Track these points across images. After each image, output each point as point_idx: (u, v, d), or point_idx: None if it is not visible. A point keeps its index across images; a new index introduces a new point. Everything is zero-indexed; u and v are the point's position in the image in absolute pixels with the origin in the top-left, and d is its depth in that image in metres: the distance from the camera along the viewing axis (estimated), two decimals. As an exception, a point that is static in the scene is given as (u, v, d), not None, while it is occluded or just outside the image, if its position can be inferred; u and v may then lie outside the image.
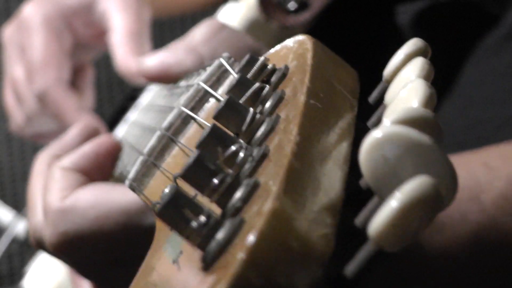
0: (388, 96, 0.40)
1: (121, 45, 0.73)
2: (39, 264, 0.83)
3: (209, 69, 0.48)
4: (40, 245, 0.58)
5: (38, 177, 0.61)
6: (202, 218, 0.33)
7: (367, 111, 0.42)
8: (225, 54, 0.48)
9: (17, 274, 0.88)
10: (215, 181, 0.34)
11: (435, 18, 0.74)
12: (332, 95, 0.40)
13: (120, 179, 0.57)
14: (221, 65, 0.47)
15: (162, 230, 0.43)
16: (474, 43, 0.71)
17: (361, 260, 0.31)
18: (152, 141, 0.47)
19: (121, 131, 0.80)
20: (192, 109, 0.47)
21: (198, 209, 0.33)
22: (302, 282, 0.30)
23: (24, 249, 0.97)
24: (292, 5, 0.70)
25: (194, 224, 0.33)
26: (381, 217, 0.30)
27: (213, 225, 0.33)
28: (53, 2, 0.79)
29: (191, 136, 0.46)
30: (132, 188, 0.48)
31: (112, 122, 0.87)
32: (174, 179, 0.43)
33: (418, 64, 0.40)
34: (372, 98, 0.43)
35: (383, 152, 0.33)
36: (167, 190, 0.43)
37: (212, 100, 0.47)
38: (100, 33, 0.79)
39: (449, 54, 0.72)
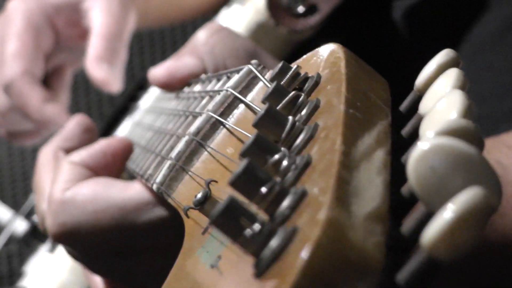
0: (423, 107, 0.41)
1: (94, 47, 0.74)
2: (41, 263, 0.83)
3: (238, 75, 0.48)
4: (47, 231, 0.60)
5: (46, 168, 0.64)
6: (256, 226, 0.33)
7: (399, 120, 0.43)
8: (254, 61, 0.49)
9: (16, 274, 0.87)
10: (264, 189, 0.35)
11: (429, 12, 0.75)
12: (368, 104, 0.41)
13: (131, 178, 0.58)
14: (250, 71, 0.48)
15: (194, 234, 0.44)
16: (470, 39, 0.72)
17: (413, 268, 0.32)
18: (180, 145, 0.48)
19: (124, 131, 0.80)
20: (221, 115, 0.47)
21: (252, 217, 0.34)
22: None
23: (23, 249, 0.97)
24: (301, 9, 0.71)
25: (248, 232, 0.33)
26: (435, 228, 0.31)
27: (267, 233, 0.33)
28: None
29: (220, 141, 0.46)
30: (160, 192, 0.48)
31: (112, 122, 0.87)
32: (207, 184, 0.43)
33: (453, 75, 0.41)
34: (403, 107, 0.44)
35: (431, 163, 0.34)
36: (199, 195, 0.43)
37: (241, 106, 0.47)
38: (84, 33, 0.80)
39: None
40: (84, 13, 0.78)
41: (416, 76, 0.77)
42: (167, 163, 0.48)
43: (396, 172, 0.38)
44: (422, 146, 0.34)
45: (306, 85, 0.43)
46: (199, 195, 0.43)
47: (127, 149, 0.62)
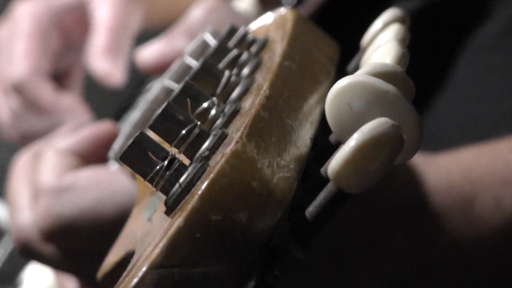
0: (363, 61, 0.40)
1: (97, 39, 0.74)
2: (37, 269, 0.83)
3: (193, 44, 0.48)
4: (27, 248, 0.54)
5: (21, 172, 0.57)
6: (166, 162, 0.33)
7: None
8: (209, 28, 0.49)
9: (18, 273, 0.88)
10: (183, 131, 0.35)
11: (429, 15, 0.75)
12: (309, 60, 0.41)
13: None
14: (204, 39, 0.48)
15: (142, 197, 0.44)
16: (469, 40, 0.71)
17: (321, 201, 0.31)
18: (137, 115, 0.48)
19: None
20: (175, 82, 0.47)
21: (162, 153, 0.33)
22: (261, 222, 0.31)
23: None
24: (289, 1, 0.71)
25: (157, 168, 0.33)
26: (340, 155, 0.31)
27: (177, 169, 0.33)
28: (44, 1, 0.80)
29: None
30: (119, 162, 0.48)
31: (117, 113, 0.88)
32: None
33: (393, 29, 0.40)
34: (350, 66, 0.43)
35: (348, 99, 0.33)
36: None
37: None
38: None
39: (444, 51, 0.72)
40: (91, 13, 0.79)
41: (416, 77, 0.76)
42: (125, 134, 0.48)
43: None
44: (340, 83, 0.33)
45: (253, 47, 0.43)
46: None
47: (114, 134, 0.57)
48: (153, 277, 0.29)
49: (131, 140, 0.33)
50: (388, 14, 0.42)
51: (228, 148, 0.32)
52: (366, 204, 0.49)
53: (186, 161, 0.35)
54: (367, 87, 0.33)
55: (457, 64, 0.70)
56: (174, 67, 0.48)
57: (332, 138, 0.37)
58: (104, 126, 0.56)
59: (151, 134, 0.39)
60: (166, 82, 0.47)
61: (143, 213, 0.41)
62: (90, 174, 0.50)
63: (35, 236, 0.52)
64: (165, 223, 0.33)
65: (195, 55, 0.48)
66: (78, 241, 0.51)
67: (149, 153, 0.33)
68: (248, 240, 0.30)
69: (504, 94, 0.68)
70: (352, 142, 0.31)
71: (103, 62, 0.74)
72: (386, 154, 0.31)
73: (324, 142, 0.37)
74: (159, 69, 0.60)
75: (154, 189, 0.42)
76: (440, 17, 0.73)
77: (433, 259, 0.53)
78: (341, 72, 0.43)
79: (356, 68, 0.42)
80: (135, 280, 0.29)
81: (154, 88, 0.48)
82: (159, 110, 0.35)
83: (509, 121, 0.66)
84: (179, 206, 0.32)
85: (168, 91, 0.47)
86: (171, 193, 0.33)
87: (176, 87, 0.38)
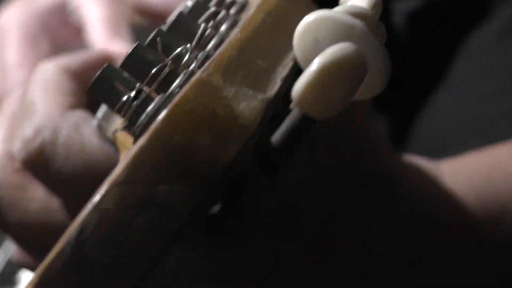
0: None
1: (98, 32, 0.74)
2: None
3: (179, 7, 0.49)
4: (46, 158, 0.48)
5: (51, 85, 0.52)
6: (133, 93, 0.33)
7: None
8: None
9: (18, 273, 0.88)
10: (154, 70, 0.35)
11: (429, 14, 0.75)
12: (286, 17, 0.41)
13: None
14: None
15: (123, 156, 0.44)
16: (469, 40, 0.71)
17: (287, 126, 0.32)
18: None
19: None
20: None
21: (129, 84, 0.34)
22: (225, 146, 0.31)
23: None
24: None
25: (124, 98, 0.33)
26: (302, 79, 0.31)
27: (144, 100, 0.33)
28: (29, 6, 0.80)
29: None
30: (100, 128, 0.48)
31: None
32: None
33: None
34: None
35: (315, 33, 0.34)
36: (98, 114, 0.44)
37: None
38: (77, 31, 0.81)
39: (444, 50, 0.72)
40: (75, 11, 0.80)
41: (416, 76, 0.76)
42: None
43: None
44: (307, 18, 0.34)
45: (232, 8, 0.44)
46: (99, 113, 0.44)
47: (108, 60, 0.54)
48: (115, 193, 0.29)
49: (98, 72, 0.34)
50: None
51: (193, 78, 0.32)
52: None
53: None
54: (334, 21, 0.33)
55: (456, 64, 0.71)
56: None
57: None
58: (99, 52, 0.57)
59: None
60: None
61: None
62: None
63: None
64: (127, 155, 0.33)
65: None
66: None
67: (117, 83, 0.33)
68: (212, 162, 0.30)
69: (505, 94, 0.68)
70: (314, 65, 0.31)
71: (115, 44, 0.74)
72: (349, 78, 0.31)
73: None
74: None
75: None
76: (439, 16, 0.73)
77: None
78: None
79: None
80: (98, 197, 0.29)
81: None
82: (129, 50, 0.35)
83: (510, 121, 0.66)
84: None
85: None
86: (138, 123, 0.33)
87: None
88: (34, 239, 0.49)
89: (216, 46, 0.39)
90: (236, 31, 0.37)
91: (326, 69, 0.31)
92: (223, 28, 0.41)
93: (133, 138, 0.33)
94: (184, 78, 0.35)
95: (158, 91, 0.35)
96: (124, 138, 0.44)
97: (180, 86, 0.34)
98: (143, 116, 0.33)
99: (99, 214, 0.29)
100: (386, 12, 0.77)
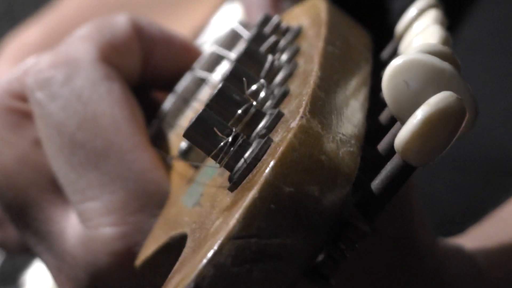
0: (402, 47, 0.41)
1: None
2: (40, 270, 0.83)
3: (223, 34, 0.49)
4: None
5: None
6: (230, 138, 0.33)
7: (381, 67, 0.43)
8: (237, 21, 0.49)
9: (18, 273, 0.87)
10: (240, 110, 0.35)
11: None
12: (348, 47, 0.41)
13: None
14: (234, 30, 0.48)
15: (178, 185, 0.44)
16: (461, 39, 0.72)
17: (387, 173, 0.32)
18: (167, 103, 0.48)
19: None
20: (206, 72, 0.48)
21: (226, 130, 0.34)
22: (331, 195, 0.31)
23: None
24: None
25: (222, 144, 0.33)
26: (407, 128, 0.31)
27: (241, 145, 0.33)
28: None
29: (205, 96, 0.47)
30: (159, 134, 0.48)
31: None
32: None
33: (431, 14, 0.41)
34: (385, 54, 0.44)
35: (405, 77, 0.34)
36: (183, 145, 0.43)
37: (225, 63, 0.47)
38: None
39: None
40: None
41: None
42: (154, 121, 0.48)
43: (376, 108, 0.38)
44: (396, 61, 0.34)
45: (288, 34, 0.44)
46: (183, 145, 0.43)
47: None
48: (230, 247, 0.29)
49: (195, 116, 0.34)
50: (422, 1, 0.43)
51: (293, 123, 0.32)
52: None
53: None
54: (424, 65, 0.34)
55: None
56: (203, 57, 0.48)
57: (383, 118, 0.38)
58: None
59: None
60: (196, 72, 0.48)
61: (183, 201, 0.41)
62: None
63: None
64: (228, 199, 0.33)
65: (225, 46, 0.48)
66: None
67: (214, 129, 0.33)
68: (321, 213, 0.31)
69: (498, 94, 0.69)
70: (419, 115, 0.31)
71: None
72: (451, 126, 0.31)
73: (374, 123, 0.38)
74: None
75: (191, 177, 0.43)
76: None
77: None
78: (375, 59, 0.43)
79: (393, 55, 0.43)
80: (212, 252, 0.29)
81: (184, 79, 0.48)
82: (216, 90, 0.35)
83: (504, 121, 0.67)
84: (245, 181, 0.32)
85: (199, 81, 0.48)
86: (236, 168, 0.33)
87: (228, 67, 0.38)
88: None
89: (286, 79, 0.39)
90: (312, 68, 0.37)
91: (430, 120, 0.31)
92: (285, 56, 0.41)
93: (230, 184, 0.33)
94: (271, 119, 0.35)
95: (244, 131, 0.35)
96: (183, 169, 0.44)
97: (267, 127, 0.35)
98: (241, 162, 0.33)
99: (214, 268, 0.29)
100: (386, 12, 0.78)
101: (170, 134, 0.47)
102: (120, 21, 0.47)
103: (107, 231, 0.43)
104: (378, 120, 0.38)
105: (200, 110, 0.34)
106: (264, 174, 0.30)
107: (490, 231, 0.56)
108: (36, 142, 0.46)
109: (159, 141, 0.47)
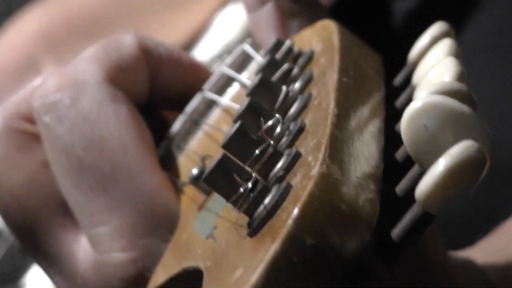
0: (416, 77, 0.41)
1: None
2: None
3: (231, 56, 0.49)
4: None
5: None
6: (250, 184, 0.33)
7: (393, 94, 0.43)
8: (249, 40, 0.49)
9: (19, 272, 0.87)
10: (257, 151, 0.35)
11: (424, 14, 0.75)
12: (361, 74, 0.41)
13: None
14: (244, 50, 0.48)
15: (189, 210, 0.44)
16: (462, 41, 0.72)
17: (407, 223, 0.32)
18: (176, 124, 0.48)
19: None
20: (215, 94, 0.47)
21: (245, 175, 0.34)
22: (351, 244, 0.31)
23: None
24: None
25: (241, 190, 0.33)
26: (429, 180, 0.31)
27: (260, 191, 0.33)
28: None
29: (215, 119, 0.47)
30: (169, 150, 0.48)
31: None
32: (202, 159, 0.43)
33: (446, 44, 0.41)
34: (397, 81, 0.44)
35: (424, 121, 0.34)
36: (195, 171, 0.43)
37: (235, 85, 0.47)
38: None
39: None
40: None
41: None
42: (163, 142, 0.48)
43: (390, 140, 0.38)
44: (414, 104, 0.34)
45: (300, 60, 0.44)
46: (195, 171, 0.43)
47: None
48: None
49: (215, 162, 0.34)
50: (435, 28, 0.43)
51: (314, 170, 0.32)
52: None
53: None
54: (443, 109, 0.34)
55: None
56: (213, 78, 0.48)
57: (399, 155, 0.38)
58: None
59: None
60: (206, 94, 0.47)
61: (195, 228, 0.41)
62: None
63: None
64: (246, 245, 0.33)
65: (235, 66, 0.48)
66: None
67: (234, 175, 0.33)
68: (342, 261, 0.31)
69: (499, 96, 0.69)
70: (441, 166, 0.31)
71: None
72: (473, 176, 0.32)
73: (390, 159, 0.37)
74: None
75: (202, 203, 0.43)
76: (434, 17, 0.74)
77: None
78: (387, 84, 0.43)
79: (405, 82, 0.43)
80: None
81: (194, 100, 0.48)
82: (233, 130, 0.35)
83: (505, 123, 0.67)
84: (265, 228, 0.32)
85: (208, 102, 0.47)
86: (255, 215, 0.33)
87: (243, 102, 0.38)
88: (7, 209, 0.47)
89: (300, 111, 0.39)
90: (328, 104, 0.37)
91: (452, 172, 0.31)
92: (297, 85, 0.41)
93: (249, 229, 0.33)
94: (289, 160, 0.35)
95: (261, 171, 0.35)
96: (194, 194, 0.44)
97: (285, 168, 0.35)
98: (261, 208, 0.33)
99: None
100: (386, 12, 0.77)
101: (179, 156, 0.47)
102: (127, 42, 0.47)
103: (118, 256, 0.43)
104: (393, 156, 0.38)
105: (220, 156, 0.34)
106: (286, 226, 0.30)
107: (500, 243, 0.57)
108: (45, 164, 0.46)
109: (168, 163, 0.47)
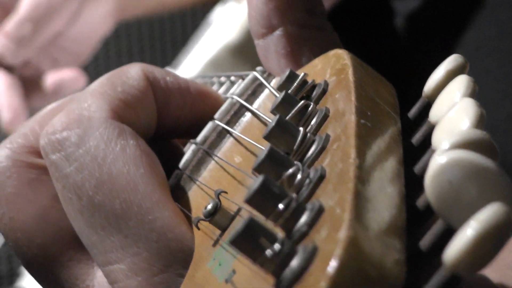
0: (433, 114, 0.41)
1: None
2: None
3: (243, 82, 0.48)
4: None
5: None
6: (276, 246, 0.33)
7: (408, 127, 0.43)
8: (259, 68, 0.48)
9: (16, 274, 0.87)
10: (281, 205, 0.35)
11: (426, 16, 0.75)
12: (377, 111, 0.41)
13: None
14: (256, 78, 0.48)
15: (204, 245, 0.43)
16: (465, 44, 0.72)
17: (435, 285, 0.32)
18: (187, 154, 0.47)
19: None
20: (227, 123, 0.47)
21: (272, 237, 0.33)
22: None
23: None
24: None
25: (268, 252, 0.33)
26: (458, 246, 0.31)
27: (286, 253, 0.33)
28: None
29: (227, 150, 0.46)
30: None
31: None
32: (217, 195, 0.43)
33: (463, 82, 0.40)
34: (412, 114, 0.43)
35: (449, 177, 0.34)
36: (210, 207, 0.43)
37: (248, 114, 0.47)
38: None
39: (441, 53, 0.72)
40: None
41: (414, 80, 0.76)
42: (175, 173, 0.48)
43: (410, 182, 0.38)
44: (439, 160, 0.34)
45: (314, 93, 0.43)
46: (210, 207, 0.43)
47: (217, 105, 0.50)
48: None
49: (243, 225, 0.33)
50: (450, 61, 0.42)
51: (340, 234, 0.32)
52: None
53: (281, 233, 0.35)
54: (468, 164, 0.34)
55: None
56: (225, 107, 0.47)
57: (420, 203, 0.37)
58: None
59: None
60: (217, 123, 0.47)
61: (213, 268, 0.41)
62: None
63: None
64: None
65: (246, 95, 0.47)
66: None
67: (261, 238, 0.33)
68: None
69: (502, 99, 0.69)
70: (469, 232, 0.31)
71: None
72: (501, 239, 0.32)
73: (412, 206, 0.37)
74: None
75: (217, 239, 0.43)
76: (436, 19, 0.73)
77: None
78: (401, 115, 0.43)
79: (419, 116, 0.43)
80: None
81: (205, 129, 0.47)
82: (256, 185, 0.35)
83: (508, 126, 0.67)
84: None
85: (219, 131, 0.47)
86: (282, 277, 0.33)
87: (262, 151, 0.38)
88: (20, 245, 0.47)
89: (318, 154, 0.39)
90: (349, 152, 0.37)
91: (481, 238, 0.31)
92: (313, 122, 0.41)
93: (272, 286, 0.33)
94: (312, 215, 0.34)
95: (284, 225, 0.35)
96: (208, 229, 0.43)
97: (309, 224, 0.34)
98: (288, 272, 0.33)
99: None
100: (386, 12, 0.77)
101: (191, 187, 0.47)
102: (133, 74, 0.46)
103: None
104: (415, 204, 0.37)
105: (247, 218, 0.34)
106: None
107: (510, 259, 0.57)
108: (55, 198, 0.46)
109: (180, 194, 0.47)
